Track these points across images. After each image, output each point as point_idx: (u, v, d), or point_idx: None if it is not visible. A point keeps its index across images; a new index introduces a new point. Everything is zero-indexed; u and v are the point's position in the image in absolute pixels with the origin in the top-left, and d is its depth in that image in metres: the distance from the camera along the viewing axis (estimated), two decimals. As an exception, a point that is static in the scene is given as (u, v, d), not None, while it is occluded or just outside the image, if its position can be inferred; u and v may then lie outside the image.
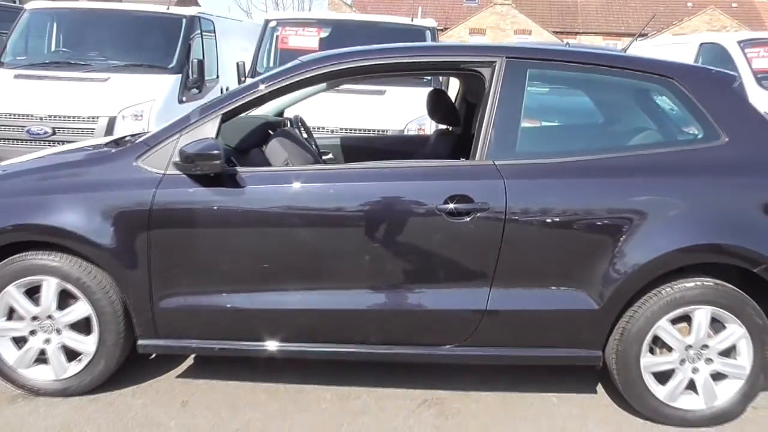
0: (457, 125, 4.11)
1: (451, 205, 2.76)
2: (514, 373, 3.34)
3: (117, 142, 3.41)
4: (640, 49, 10.43)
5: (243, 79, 7.39)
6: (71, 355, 3.01)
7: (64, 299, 2.94)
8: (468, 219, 2.77)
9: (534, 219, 2.80)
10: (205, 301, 2.90)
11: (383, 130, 5.98)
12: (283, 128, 3.56)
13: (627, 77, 3.09)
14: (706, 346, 2.90)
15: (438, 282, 2.86)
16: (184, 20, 7.52)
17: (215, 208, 2.82)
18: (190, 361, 3.41)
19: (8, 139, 6.27)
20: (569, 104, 4.25)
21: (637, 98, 3.31)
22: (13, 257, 2.90)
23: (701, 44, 8.32)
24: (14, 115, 6.26)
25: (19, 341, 3.00)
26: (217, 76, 8.34)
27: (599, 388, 3.29)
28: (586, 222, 2.80)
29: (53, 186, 2.94)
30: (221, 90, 8.46)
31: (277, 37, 7.53)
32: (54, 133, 6.22)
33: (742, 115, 2.95)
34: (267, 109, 3.91)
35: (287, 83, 2.96)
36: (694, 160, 2.89)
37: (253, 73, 7.27)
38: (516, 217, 2.78)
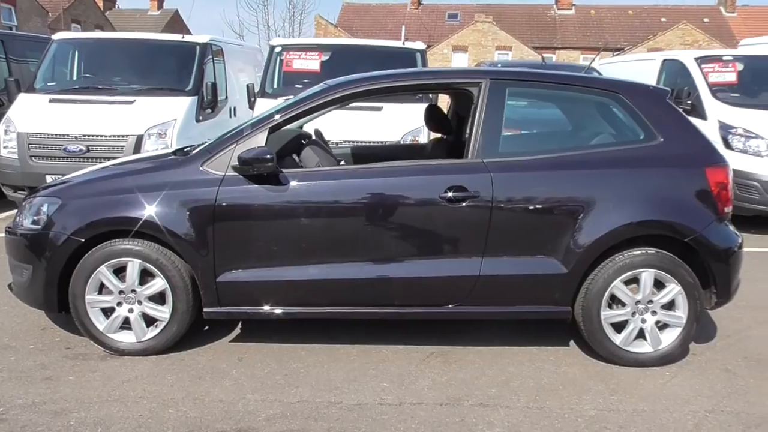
0: (450, 134, 4.92)
1: (450, 194, 3.56)
2: (502, 332, 4.14)
3: (175, 153, 4.18)
4: (614, 64, 11.30)
5: (252, 99, 8.12)
6: (149, 321, 3.75)
7: (144, 276, 3.69)
8: (464, 204, 3.57)
9: (515, 203, 3.61)
10: (257, 276, 3.65)
11: (382, 142, 6.73)
12: (313, 139, 4.36)
13: (584, 93, 3.96)
14: (651, 302, 3.71)
15: (442, 254, 3.66)
16: (197, 47, 8.25)
17: (266, 200, 3.59)
18: (238, 330, 4.17)
19: (47, 156, 7.00)
20: (543, 114, 5.09)
21: (593, 109, 4.13)
22: (104, 243, 3.65)
23: (664, 60, 9.19)
24: (53, 135, 6.99)
25: (107, 311, 3.75)
26: (226, 97, 9.06)
27: (571, 342, 4.09)
28: (555, 204, 3.62)
29: (133, 187, 3.68)
30: (230, 110, 9.20)
31: (282, 60, 8.28)
32: (88, 151, 6.93)
33: (673, 121, 3.80)
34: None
35: (321, 102, 3.77)
36: (637, 155, 3.72)
37: (262, 93, 7.99)
38: (500, 202, 3.58)
